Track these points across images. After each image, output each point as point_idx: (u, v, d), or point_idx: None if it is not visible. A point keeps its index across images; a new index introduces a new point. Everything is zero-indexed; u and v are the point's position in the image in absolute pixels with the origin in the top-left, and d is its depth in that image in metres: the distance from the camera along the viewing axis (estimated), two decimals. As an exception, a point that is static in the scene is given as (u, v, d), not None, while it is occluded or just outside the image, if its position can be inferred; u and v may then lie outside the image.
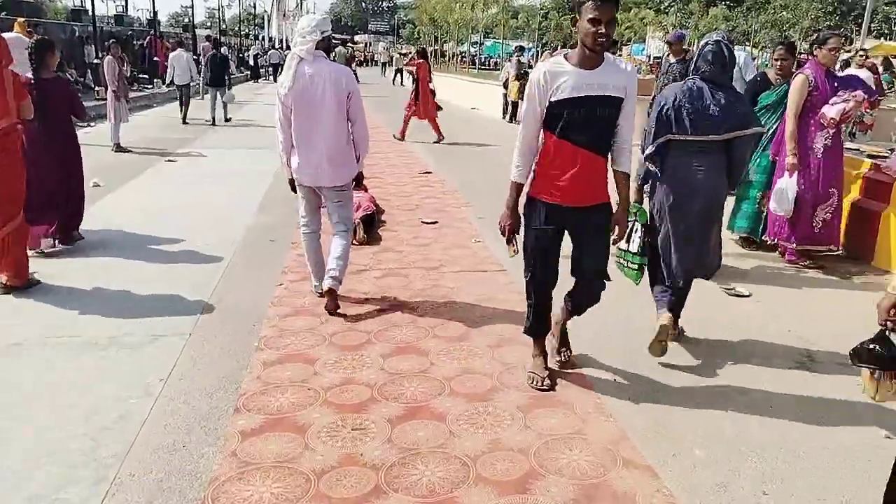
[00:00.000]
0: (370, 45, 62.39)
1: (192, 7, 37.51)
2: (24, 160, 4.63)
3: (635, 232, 3.69)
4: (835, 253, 5.55)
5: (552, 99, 3.00)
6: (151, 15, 29.37)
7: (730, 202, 5.20)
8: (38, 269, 4.81)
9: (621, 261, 3.78)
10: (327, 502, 2.49)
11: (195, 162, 10.09)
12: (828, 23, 31.91)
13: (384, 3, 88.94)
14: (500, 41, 36.54)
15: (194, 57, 17.00)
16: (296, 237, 5.15)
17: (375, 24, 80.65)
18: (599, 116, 3.02)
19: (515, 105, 15.68)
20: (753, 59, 21.23)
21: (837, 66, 6.60)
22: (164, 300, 4.45)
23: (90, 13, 22.28)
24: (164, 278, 4.85)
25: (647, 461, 2.77)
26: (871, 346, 2.07)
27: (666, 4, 43.79)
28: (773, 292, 4.84)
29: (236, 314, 4.25)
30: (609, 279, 3.33)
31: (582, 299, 3.42)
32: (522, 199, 3.24)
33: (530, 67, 16.27)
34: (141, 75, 23.57)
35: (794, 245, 5.37)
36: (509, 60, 17.77)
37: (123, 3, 35.56)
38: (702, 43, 3.70)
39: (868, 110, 9.19)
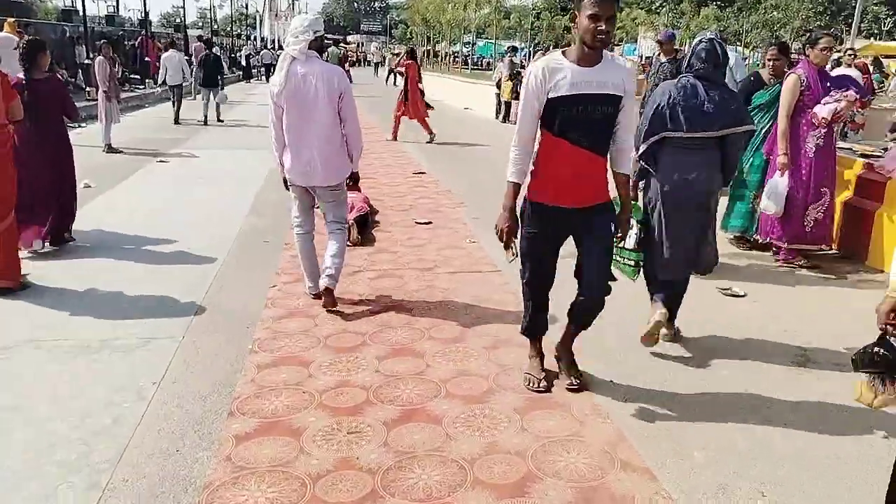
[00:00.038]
0: (362, 45, 62.24)
1: (183, 7, 37.52)
2: (14, 161, 4.60)
3: (631, 228, 3.68)
4: (828, 252, 5.58)
5: (550, 95, 2.94)
6: (143, 15, 29.20)
7: (723, 202, 5.22)
8: (29, 271, 4.76)
9: (617, 258, 3.74)
10: (323, 507, 2.46)
11: (187, 162, 10.03)
12: (818, 23, 32.06)
13: (376, 4, 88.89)
14: (493, 41, 36.57)
15: (186, 57, 16.92)
16: (289, 238, 5.12)
17: (368, 25, 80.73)
18: (598, 115, 2.96)
19: (508, 105, 15.72)
20: (745, 59, 21.34)
21: (829, 66, 6.61)
22: (157, 302, 4.41)
23: (81, 13, 22.14)
24: (157, 280, 4.81)
25: (645, 463, 2.75)
26: (875, 349, 2.05)
27: (657, 5, 43.94)
28: (769, 292, 4.84)
29: (229, 316, 4.21)
30: (614, 278, 3.28)
31: (587, 310, 3.23)
32: (519, 201, 3.17)
33: (522, 68, 16.32)
34: (132, 76, 23.45)
35: (786, 244, 5.38)
36: (502, 61, 17.79)
37: (114, 3, 35.42)
38: (695, 41, 3.72)
39: (859, 110, 9.22)
